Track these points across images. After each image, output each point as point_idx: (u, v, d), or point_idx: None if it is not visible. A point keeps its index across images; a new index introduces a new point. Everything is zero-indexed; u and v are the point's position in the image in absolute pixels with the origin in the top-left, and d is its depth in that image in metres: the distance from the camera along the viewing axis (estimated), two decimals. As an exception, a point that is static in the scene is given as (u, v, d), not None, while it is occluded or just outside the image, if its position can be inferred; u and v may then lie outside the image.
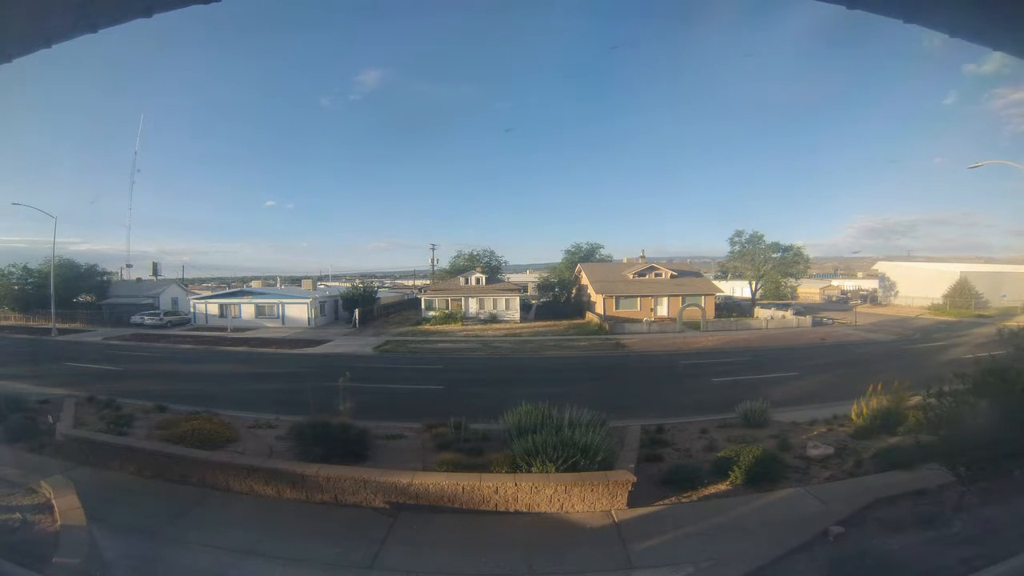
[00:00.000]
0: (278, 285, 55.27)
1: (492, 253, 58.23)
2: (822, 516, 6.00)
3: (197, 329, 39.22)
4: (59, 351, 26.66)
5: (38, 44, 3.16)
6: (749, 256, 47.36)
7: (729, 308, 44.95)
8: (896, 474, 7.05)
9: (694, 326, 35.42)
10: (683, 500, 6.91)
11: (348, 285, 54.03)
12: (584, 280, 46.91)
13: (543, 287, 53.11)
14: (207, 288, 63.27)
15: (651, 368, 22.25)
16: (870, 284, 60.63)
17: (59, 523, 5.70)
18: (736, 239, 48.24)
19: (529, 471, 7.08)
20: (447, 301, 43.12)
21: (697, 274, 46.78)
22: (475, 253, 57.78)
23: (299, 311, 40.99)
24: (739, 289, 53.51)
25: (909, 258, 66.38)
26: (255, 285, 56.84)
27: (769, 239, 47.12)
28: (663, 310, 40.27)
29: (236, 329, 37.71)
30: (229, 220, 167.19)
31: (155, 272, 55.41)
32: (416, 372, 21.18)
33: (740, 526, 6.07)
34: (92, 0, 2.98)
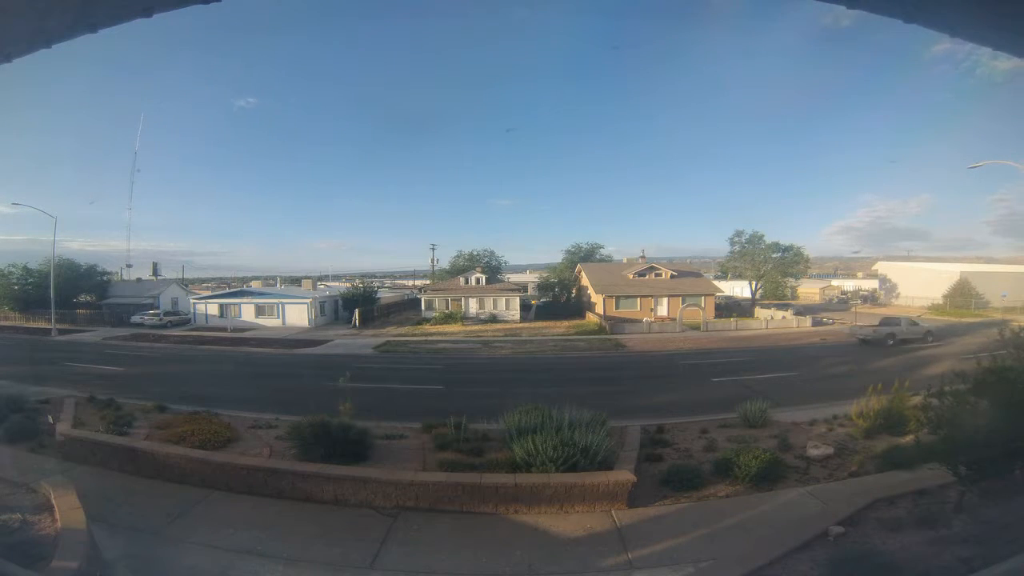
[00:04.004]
0: (278, 285, 55.18)
1: (492, 253, 58.39)
2: (822, 516, 6.00)
3: (197, 329, 39.21)
4: (59, 351, 26.63)
5: (38, 44, 3.15)
6: (749, 256, 47.38)
7: (729, 308, 44.93)
8: (896, 474, 7.05)
9: (694, 326, 35.42)
10: (683, 500, 6.90)
11: (348, 285, 54.05)
12: (584, 280, 46.91)
13: (543, 287, 53.09)
14: (207, 288, 63.30)
15: (651, 368, 22.23)
16: (870, 284, 60.57)
17: (59, 523, 5.69)
18: (736, 239, 48.34)
19: (529, 471, 7.08)
20: (447, 301, 43.11)
21: (697, 274, 46.79)
22: (475, 253, 57.90)
23: (299, 311, 40.98)
24: (739, 289, 53.49)
25: (909, 258, 66.47)
26: (255, 285, 56.76)
27: (769, 239, 47.25)
28: (663, 310, 40.26)
29: (236, 329, 37.72)
30: (229, 220, 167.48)
31: (155, 272, 55.49)
32: (416, 372, 21.17)
33: (740, 526, 6.07)
34: (92, 0, 2.97)
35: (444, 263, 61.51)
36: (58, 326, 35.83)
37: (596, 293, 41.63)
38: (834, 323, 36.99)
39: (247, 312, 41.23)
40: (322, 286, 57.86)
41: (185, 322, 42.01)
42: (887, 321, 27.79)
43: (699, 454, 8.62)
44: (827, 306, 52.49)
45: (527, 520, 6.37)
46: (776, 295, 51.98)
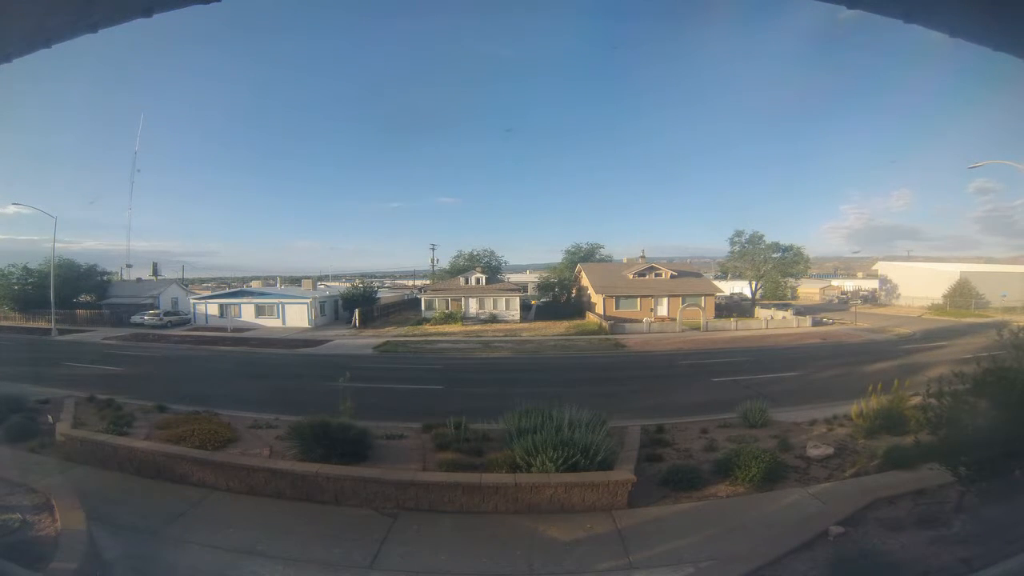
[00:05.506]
0: (278, 285, 55.22)
1: (492, 253, 58.36)
2: (822, 516, 6.00)
3: (197, 329, 39.20)
4: (59, 351, 26.64)
5: (38, 44, 3.15)
6: (749, 256, 47.39)
7: (729, 308, 44.94)
8: (896, 474, 7.06)
9: (694, 326, 35.42)
10: (683, 500, 6.90)
11: (348, 285, 54.01)
12: (584, 280, 46.91)
13: (543, 287, 53.11)
14: (207, 288, 63.26)
15: (651, 368, 22.24)
16: (870, 284, 60.55)
17: (59, 523, 5.70)
18: (736, 239, 48.37)
19: (529, 471, 7.07)
20: (447, 301, 43.11)
21: (697, 274, 46.78)
22: (475, 253, 57.87)
23: (299, 311, 40.97)
24: (739, 289, 53.50)
25: (909, 258, 66.47)
26: (255, 285, 56.85)
27: (769, 239, 47.27)
28: (663, 310, 40.26)
29: (236, 329, 37.71)
30: (229, 220, 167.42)
31: (155, 272, 55.46)
32: (416, 372, 21.17)
33: (740, 526, 6.07)
34: (92, 0, 2.98)
35: (444, 263, 61.61)
36: (58, 326, 35.82)
37: (596, 293, 41.64)
38: (834, 323, 36.99)
39: (247, 312, 41.21)
40: (322, 286, 57.84)
41: (185, 322, 42.00)
42: None
43: (699, 454, 8.61)
44: (827, 306, 52.46)
45: (527, 520, 6.37)
46: (776, 295, 51.97)
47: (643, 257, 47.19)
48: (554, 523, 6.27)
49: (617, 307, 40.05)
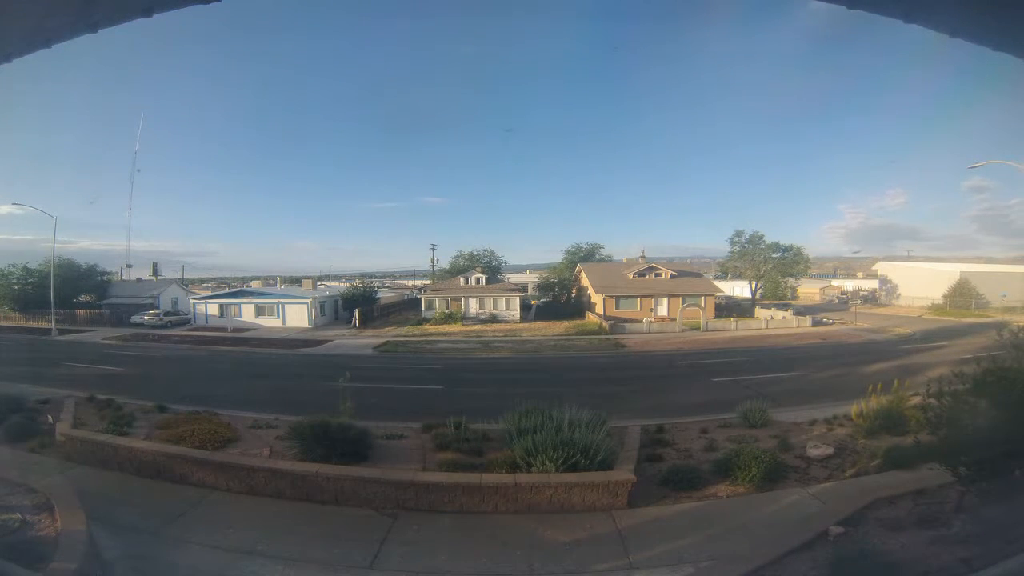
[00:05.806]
0: (278, 285, 55.22)
1: (492, 253, 58.32)
2: (822, 516, 6.00)
3: (197, 329, 39.19)
4: (59, 351, 26.64)
5: (38, 44, 3.15)
6: (749, 256, 47.39)
7: (729, 308, 44.94)
8: (896, 474, 7.06)
9: (694, 326, 35.42)
10: (683, 500, 6.90)
11: (348, 285, 54.01)
12: (584, 280, 46.90)
13: (543, 287, 53.12)
14: (207, 288, 63.25)
15: (651, 368, 22.23)
16: (870, 284, 60.53)
17: (59, 523, 5.70)
18: (736, 239, 48.38)
19: (529, 471, 7.07)
20: (447, 301, 43.10)
21: (697, 274, 46.78)
22: (475, 253, 57.84)
23: (299, 311, 40.96)
24: (739, 289, 53.49)
25: (909, 258, 66.46)
26: (255, 285, 56.87)
27: (769, 239, 47.27)
28: (663, 310, 40.25)
29: (236, 329, 37.70)
30: (229, 220, 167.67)
31: (155, 272, 55.45)
32: (416, 372, 21.16)
33: (740, 526, 6.07)
34: (92, 0, 2.98)
35: (444, 263, 61.59)
36: (58, 326, 35.79)
37: (596, 293, 41.63)
38: (834, 323, 36.98)
39: (247, 312, 41.21)
40: (322, 286, 57.82)
41: (185, 322, 41.99)
42: None
43: (699, 454, 8.61)
44: (827, 306, 52.44)
45: (527, 520, 6.37)
46: (776, 295, 52.00)
47: (643, 257, 47.19)
48: (554, 523, 6.27)
49: (617, 307, 40.05)
